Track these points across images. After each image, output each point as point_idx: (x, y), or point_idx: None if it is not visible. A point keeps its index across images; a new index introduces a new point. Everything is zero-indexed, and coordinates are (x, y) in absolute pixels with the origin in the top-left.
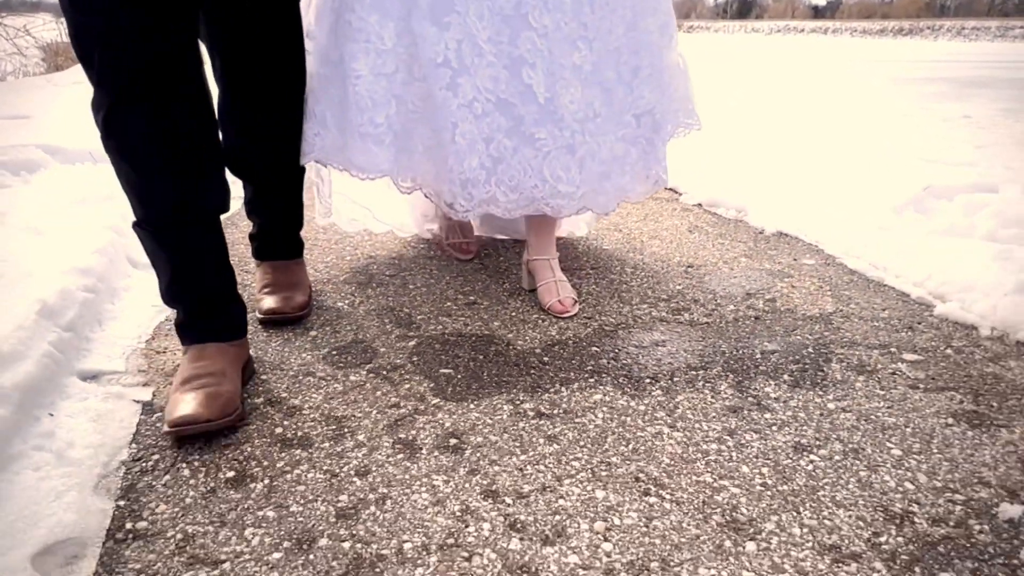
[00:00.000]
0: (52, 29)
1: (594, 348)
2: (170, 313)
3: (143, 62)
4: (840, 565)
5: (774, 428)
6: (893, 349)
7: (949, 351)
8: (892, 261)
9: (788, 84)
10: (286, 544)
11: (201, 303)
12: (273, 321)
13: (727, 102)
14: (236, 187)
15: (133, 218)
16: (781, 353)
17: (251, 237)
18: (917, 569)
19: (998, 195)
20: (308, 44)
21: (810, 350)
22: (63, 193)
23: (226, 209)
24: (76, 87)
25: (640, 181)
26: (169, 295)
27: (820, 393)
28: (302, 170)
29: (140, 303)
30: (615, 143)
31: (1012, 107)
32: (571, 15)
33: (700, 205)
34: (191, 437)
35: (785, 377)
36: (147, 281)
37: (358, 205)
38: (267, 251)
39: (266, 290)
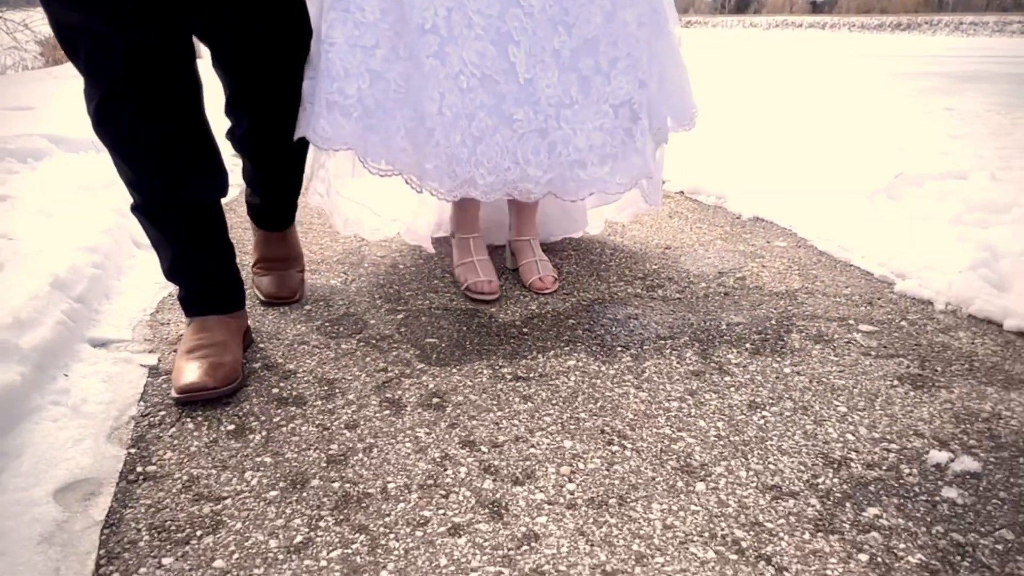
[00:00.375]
0: (43, 23)
1: (571, 320)
2: (172, 289)
3: (131, 56)
4: (779, 501)
5: (732, 389)
6: (851, 321)
7: (904, 323)
8: (859, 243)
9: (782, 78)
10: (282, 484)
11: (202, 281)
12: (273, 304)
13: (721, 94)
14: (235, 175)
15: (131, 202)
16: (745, 325)
17: (248, 204)
18: (848, 504)
19: (966, 181)
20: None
21: (773, 322)
22: (68, 180)
23: (223, 195)
24: (76, 80)
25: (620, 172)
26: (171, 274)
27: (778, 359)
28: (303, 152)
29: (143, 280)
30: (592, 132)
31: (1006, 101)
32: None
33: (682, 192)
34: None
35: (747, 346)
36: (149, 261)
37: (382, 217)
38: (264, 222)
39: (261, 266)
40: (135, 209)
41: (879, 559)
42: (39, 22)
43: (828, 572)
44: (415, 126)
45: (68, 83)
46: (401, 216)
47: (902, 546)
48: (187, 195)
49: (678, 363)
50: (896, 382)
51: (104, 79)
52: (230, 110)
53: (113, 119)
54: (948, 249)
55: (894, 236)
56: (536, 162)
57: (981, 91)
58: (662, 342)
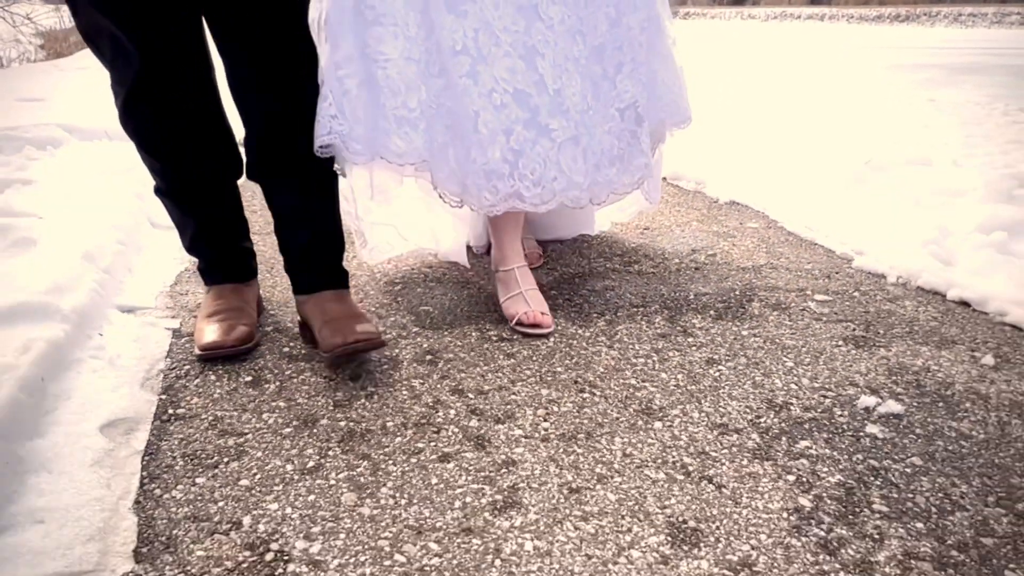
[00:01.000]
0: (50, 16)
1: (553, 291)
2: (188, 264)
3: (144, 57)
4: (724, 436)
5: (694, 348)
6: (808, 292)
7: (856, 294)
8: (825, 224)
9: (774, 70)
10: (295, 423)
11: (220, 253)
12: (356, 353)
13: (711, 85)
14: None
15: (153, 184)
16: (712, 295)
17: (292, 273)
18: (783, 438)
19: (930, 168)
20: (320, 34)
21: (737, 293)
22: (85, 166)
23: (238, 176)
24: (82, 72)
25: (626, 173)
26: (192, 249)
27: (737, 324)
28: (333, 179)
29: (161, 256)
30: (603, 136)
31: (1000, 93)
32: (571, 8)
33: (665, 179)
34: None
35: (711, 312)
36: (165, 239)
37: (410, 241)
38: (312, 274)
39: (328, 329)
40: (158, 191)
41: (804, 479)
42: (43, 16)
43: (760, 489)
44: (447, 142)
45: (74, 75)
46: (427, 243)
47: (825, 469)
48: (204, 179)
49: (647, 327)
50: (841, 342)
51: (127, 79)
52: (248, 137)
53: (136, 115)
54: (905, 229)
55: (858, 218)
56: (577, 169)
57: (975, 83)
58: (634, 309)
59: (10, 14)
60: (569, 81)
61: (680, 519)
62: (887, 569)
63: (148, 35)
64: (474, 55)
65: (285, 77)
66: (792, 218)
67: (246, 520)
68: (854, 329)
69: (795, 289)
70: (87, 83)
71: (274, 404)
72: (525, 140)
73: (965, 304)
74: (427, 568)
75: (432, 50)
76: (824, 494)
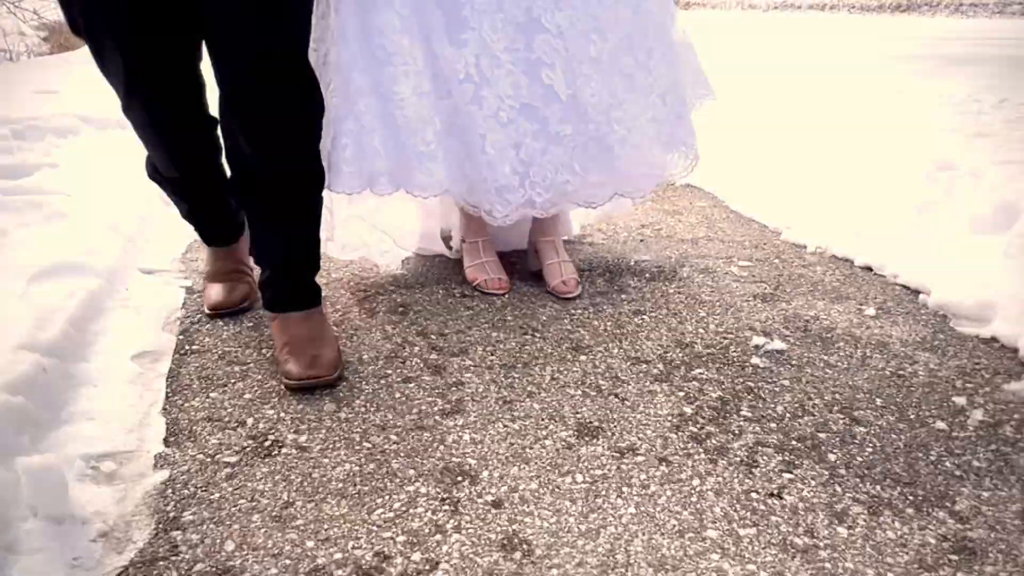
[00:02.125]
0: (52, 10)
1: (513, 259)
2: (196, 237)
3: (140, 75)
4: (635, 364)
5: (625, 302)
6: (734, 259)
7: (776, 261)
8: (765, 203)
9: (764, 63)
10: None
11: (212, 221)
12: (306, 387)
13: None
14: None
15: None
16: (650, 262)
17: (264, 287)
18: (683, 368)
19: (873, 154)
20: (327, 72)
21: (672, 260)
22: (102, 152)
23: (221, 154)
24: (90, 65)
25: (679, 157)
26: (188, 219)
27: (666, 284)
28: (317, 199)
29: (173, 228)
30: (646, 125)
31: (991, 84)
32: (581, 10)
33: None
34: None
35: (646, 275)
36: (176, 215)
37: (386, 235)
38: (283, 294)
39: (287, 351)
40: (152, 176)
41: (691, 395)
42: (47, 10)
43: (654, 402)
44: (463, 158)
45: (83, 68)
46: (407, 241)
47: (710, 388)
48: (192, 163)
49: (589, 286)
50: (751, 298)
51: (119, 91)
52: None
53: (131, 114)
54: (833, 206)
55: (795, 197)
56: (597, 168)
57: (968, 74)
58: (581, 273)
59: (20, 10)
60: (586, 83)
61: (587, 421)
62: (739, 452)
63: (145, 33)
64: (477, 80)
65: (282, 96)
66: (737, 199)
67: (249, 420)
68: (765, 288)
69: (723, 257)
70: (97, 75)
71: (272, 342)
72: (534, 151)
73: (869, 269)
74: (388, 451)
75: (439, 74)
76: (704, 405)
